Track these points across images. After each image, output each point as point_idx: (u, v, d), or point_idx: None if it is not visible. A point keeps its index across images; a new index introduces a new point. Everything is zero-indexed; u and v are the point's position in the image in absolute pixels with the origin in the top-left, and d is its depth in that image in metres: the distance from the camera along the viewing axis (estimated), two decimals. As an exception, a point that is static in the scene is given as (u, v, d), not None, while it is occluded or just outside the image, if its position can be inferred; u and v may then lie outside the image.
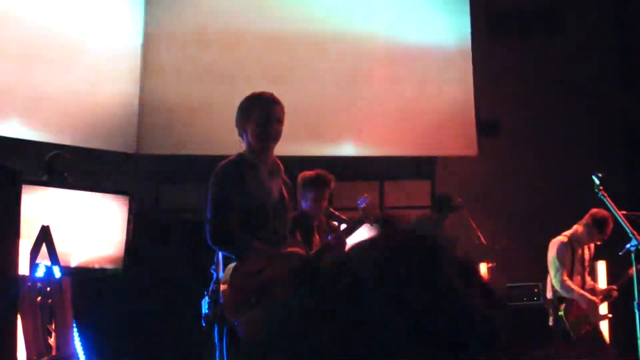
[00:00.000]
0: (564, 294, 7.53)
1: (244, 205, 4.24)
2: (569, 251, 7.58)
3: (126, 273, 8.82)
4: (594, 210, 7.47)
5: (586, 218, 7.57)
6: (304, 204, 6.42)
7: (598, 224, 7.42)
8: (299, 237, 4.70)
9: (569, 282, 7.48)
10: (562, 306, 7.52)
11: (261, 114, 4.40)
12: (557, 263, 7.56)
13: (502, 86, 12.09)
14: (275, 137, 4.42)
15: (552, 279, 7.62)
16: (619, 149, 12.49)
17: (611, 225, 7.25)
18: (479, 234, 9.47)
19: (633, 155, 12.42)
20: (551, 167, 11.92)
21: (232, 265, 4.14)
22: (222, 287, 4.09)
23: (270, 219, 4.35)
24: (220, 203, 4.22)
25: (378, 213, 5.29)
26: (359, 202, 5.28)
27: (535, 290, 10.31)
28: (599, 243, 7.60)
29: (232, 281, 4.09)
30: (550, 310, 7.67)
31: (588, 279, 7.87)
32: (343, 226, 5.44)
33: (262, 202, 4.33)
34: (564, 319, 7.48)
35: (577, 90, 12.38)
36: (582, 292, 7.52)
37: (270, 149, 4.45)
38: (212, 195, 4.25)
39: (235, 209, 4.21)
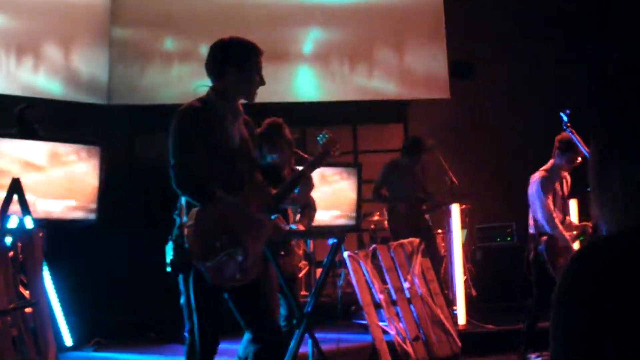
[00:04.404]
0: (548, 229, 7.49)
1: (206, 150, 4.20)
2: (552, 184, 7.59)
3: (100, 222, 8.85)
4: (557, 137, 7.53)
5: (556, 147, 7.60)
6: (270, 157, 6.25)
7: (568, 145, 7.47)
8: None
9: (555, 219, 7.47)
10: (543, 239, 7.51)
11: (257, 63, 4.38)
12: (542, 198, 7.52)
13: (475, 28, 12.07)
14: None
15: (538, 214, 7.56)
16: (592, 89, 12.51)
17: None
18: (452, 175, 9.50)
19: (604, 95, 12.45)
20: (523, 108, 11.96)
21: (196, 209, 4.12)
22: (187, 231, 4.08)
23: (232, 164, 4.31)
24: (182, 148, 4.17)
25: (338, 149, 5.23)
26: (318, 138, 5.23)
27: (509, 230, 10.44)
28: (579, 161, 7.56)
29: (197, 226, 4.08)
30: (531, 245, 7.66)
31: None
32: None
33: (224, 147, 4.27)
34: (543, 252, 7.48)
35: (550, 31, 12.37)
36: (562, 229, 7.53)
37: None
38: (174, 139, 4.19)
39: (197, 154, 4.17)
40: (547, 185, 7.54)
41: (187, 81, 10.74)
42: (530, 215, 7.72)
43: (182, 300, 4.39)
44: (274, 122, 6.26)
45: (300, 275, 10.41)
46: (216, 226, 4.16)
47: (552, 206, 7.52)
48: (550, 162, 7.67)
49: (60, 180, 8.56)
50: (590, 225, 7.87)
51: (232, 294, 4.31)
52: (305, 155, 5.71)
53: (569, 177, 7.83)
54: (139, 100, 11.10)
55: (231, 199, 4.24)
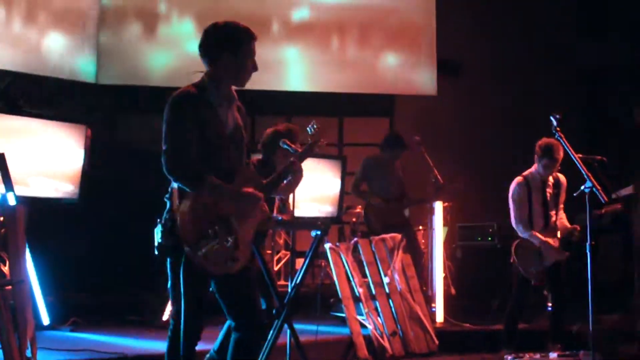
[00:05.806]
0: (519, 233, 7.54)
1: (199, 137, 4.17)
2: (525, 191, 7.57)
3: (82, 202, 8.78)
4: (538, 141, 7.50)
5: (535, 152, 7.58)
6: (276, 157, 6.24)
7: (544, 151, 7.43)
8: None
9: (523, 223, 7.50)
10: (515, 244, 7.54)
11: (250, 49, 4.37)
12: (512, 203, 7.58)
13: (464, 27, 12.05)
14: None
15: (511, 218, 7.61)
16: (576, 91, 12.55)
17: (560, 149, 7.20)
18: (436, 172, 9.47)
19: (589, 98, 12.54)
20: (509, 108, 11.97)
21: (191, 195, 4.09)
22: (181, 216, 4.05)
23: (224, 151, 4.30)
24: (176, 133, 4.13)
25: (325, 139, 5.21)
26: (308, 128, 5.21)
27: (490, 230, 10.43)
28: (553, 168, 7.54)
29: (190, 212, 4.05)
30: (512, 248, 7.69)
31: (562, 215, 7.80)
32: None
33: (217, 134, 4.25)
34: (514, 256, 7.51)
35: (537, 33, 12.39)
36: (535, 233, 7.53)
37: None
38: (168, 125, 4.16)
39: (191, 140, 4.14)
40: (522, 190, 7.56)
41: (176, 62, 10.74)
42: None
43: (169, 284, 4.36)
44: (295, 130, 6.28)
45: (281, 265, 10.45)
46: (210, 213, 4.14)
47: (526, 211, 7.54)
48: (533, 167, 7.67)
49: (43, 158, 8.48)
50: (578, 228, 7.77)
51: (219, 280, 4.30)
52: (293, 145, 5.65)
53: (564, 179, 7.75)
54: (127, 80, 11.03)
55: (225, 186, 4.22)
